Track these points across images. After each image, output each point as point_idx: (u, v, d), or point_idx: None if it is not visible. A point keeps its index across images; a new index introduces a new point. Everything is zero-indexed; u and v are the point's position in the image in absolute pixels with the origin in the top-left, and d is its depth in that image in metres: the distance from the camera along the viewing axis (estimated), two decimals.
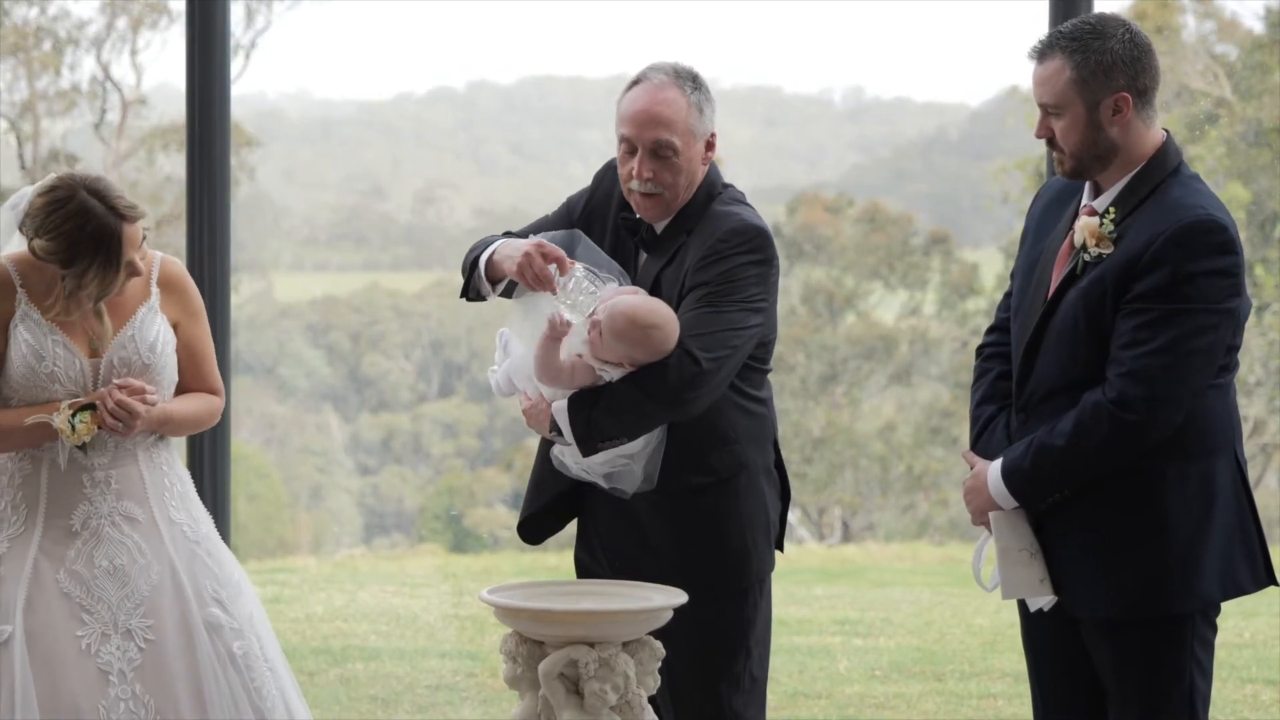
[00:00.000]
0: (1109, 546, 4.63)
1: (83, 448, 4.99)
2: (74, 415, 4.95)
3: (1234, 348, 4.66)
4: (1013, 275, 4.97)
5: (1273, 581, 4.76)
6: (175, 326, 5.18)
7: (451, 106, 28.84)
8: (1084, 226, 4.64)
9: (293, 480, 22.85)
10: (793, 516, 21.55)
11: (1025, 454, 4.65)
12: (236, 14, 21.16)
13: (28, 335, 5.00)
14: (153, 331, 5.10)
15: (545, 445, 5.17)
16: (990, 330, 5.03)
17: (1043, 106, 4.70)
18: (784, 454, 5.24)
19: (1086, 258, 4.63)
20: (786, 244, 22.29)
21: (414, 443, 23.81)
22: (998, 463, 4.72)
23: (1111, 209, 4.63)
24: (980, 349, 5.03)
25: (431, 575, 15.00)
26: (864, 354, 22.34)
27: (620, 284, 4.98)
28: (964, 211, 23.34)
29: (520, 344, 5.09)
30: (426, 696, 9.06)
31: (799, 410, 21.90)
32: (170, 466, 5.20)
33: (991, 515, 4.74)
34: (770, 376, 5.20)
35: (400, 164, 28.22)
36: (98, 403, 4.96)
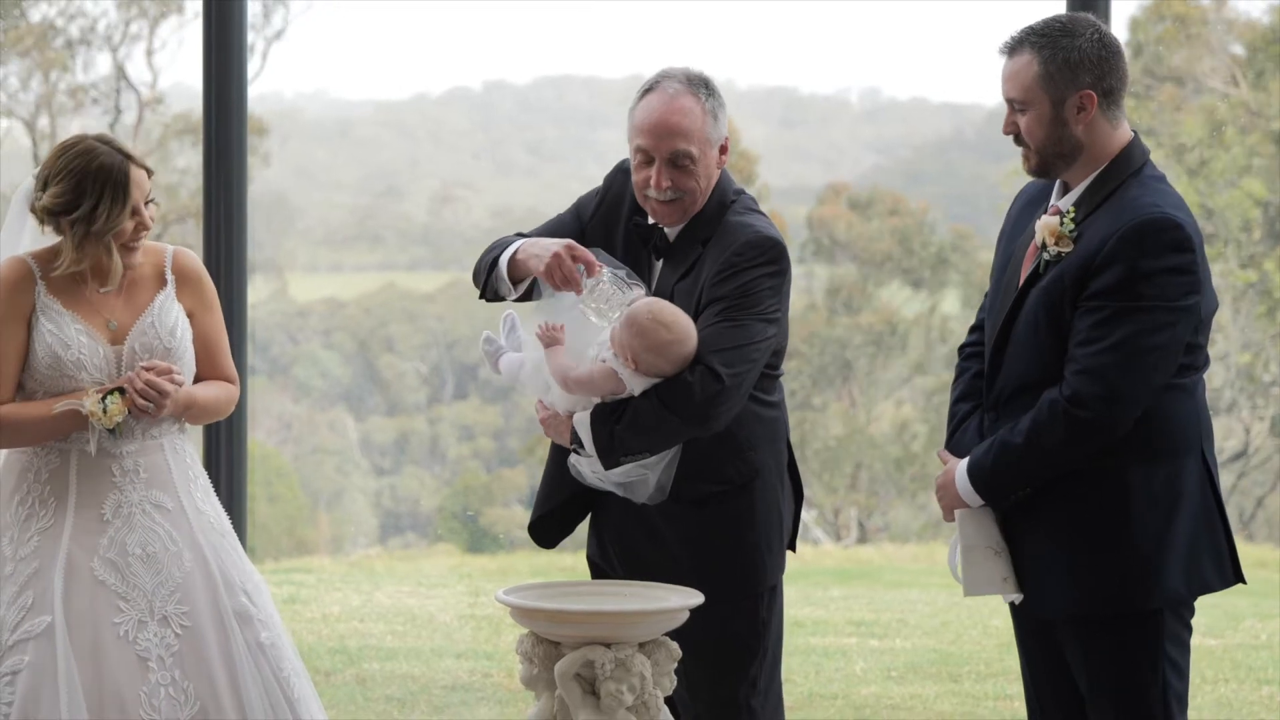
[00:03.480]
0: (1073, 544, 4.66)
1: (113, 431, 5.01)
2: (104, 399, 4.98)
3: (1197, 346, 4.68)
4: (991, 276, 5.00)
5: (1240, 579, 4.78)
6: (190, 317, 5.22)
7: (468, 106, 28.85)
8: (1044, 225, 4.69)
9: (309, 480, 22.88)
10: (808, 517, 21.54)
11: (988, 452, 4.70)
12: (254, 12, 21.19)
13: (50, 325, 5.04)
14: (171, 317, 5.15)
15: (558, 447, 5.16)
16: (972, 330, 5.09)
17: (1009, 102, 4.75)
18: (800, 455, 5.23)
19: (1047, 257, 4.68)
20: (813, 241, 22.34)
21: (430, 444, 23.83)
22: (964, 461, 4.74)
23: (1072, 208, 4.67)
24: (961, 348, 5.09)
25: (447, 575, 15.01)
26: (877, 353, 22.32)
27: (646, 293, 4.99)
28: (981, 212, 23.33)
29: (535, 347, 5.08)
30: (442, 697, 9.06)
31: (813, 410, 21.88)
32: (192, 459, 5.24)
33: (957, 513, 4.78)
34: (783, 378, 5.20)
35: (417, 164, 28.23)
36: (126, 386, 5.00)
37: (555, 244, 4.96)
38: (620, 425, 4.90)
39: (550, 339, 4.93)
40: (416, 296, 25.93)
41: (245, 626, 5.10)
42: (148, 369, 5.03)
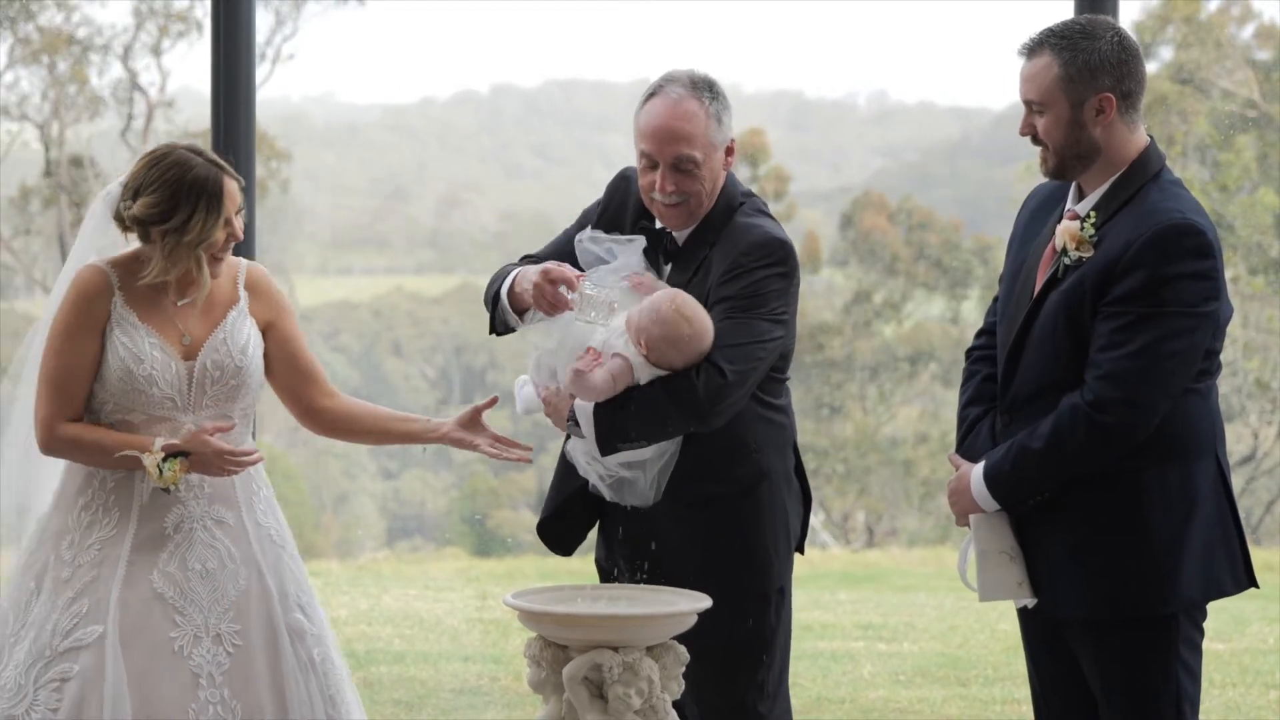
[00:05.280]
0: (1090, 548, 4.66)
1: (166, 490, 4.99)
2: (165, 460, 4.94)
3: (1214, 352, 4.69)
4: (1001, 280, 5.00)
5: (1253, 584, 4.79)
6: (270, 326, 5.20)
7: (475, 110, 28.86)
8: (1064, 230, 4.69)
9: (317, 484, 22.89)
10: (817, 521, 21.54)
11: (1005, 457, 4.69)
12: (265, 20, 21.22)
13: (124, 338, 5.00)
14: (243, 334, 5.11)
15: (566, 444, 5.17)
16: (979, 334, 5.08)
17: (1027, 103, 4.76)
18: (810, 459, 5.24)
19: (1067, 261, 4.67)
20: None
21: (437, 447, 23.78)
22: (980, 465, 4.75)
23: (1092, 213, 4.67)
24: (969, 352, 5.08)
25: (455, 579, 15.01)
26: (900, 359, 22.32)
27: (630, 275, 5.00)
28: (988, 216, 23.32)
29: (545, 363, 5.08)
30: (450, 700, 9.07)
31: (826, 416, 21.88)
32: (257, 470, 5.19)
33: (972, 518, 4.77)
34: (793, 381, 5.19)
35: (424, 167, 28.25)
36: (194, 449, 4.95)
37: (534, 273, 4.98)
38: (621, 413, 4.89)
39: (588, 365, 4.91)
40: (424, 300, 25.93)
41: (298, 643, 5.09)
42: (228, 454, 4.98)
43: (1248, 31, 20.03)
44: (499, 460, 5.14)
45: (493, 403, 5.16)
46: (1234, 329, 18.67)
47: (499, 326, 5.17)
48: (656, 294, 4.88)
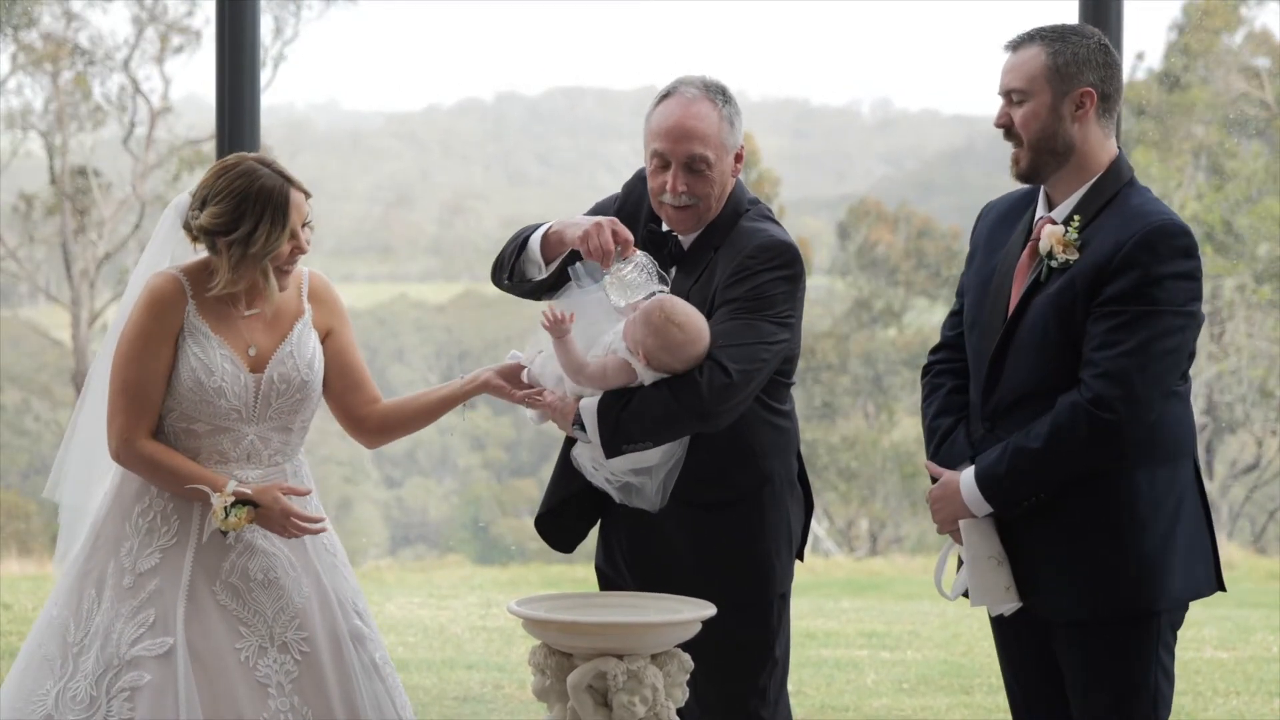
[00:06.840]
0: (1080, 549, 4.69)
1: (224, 532, 4.98)
2: (233, 505, 4.94)
3: (1192, 353, 4.76)
4: (959, 293, 5.02)
5: (1221, 587, 4.85)
6: (328, 334, 5.19)
7: (479, 117, 28.90)
8: (1049, 234, 4.73)
9: (320, 491, 22.89)
10: (821, 529, 21.55)
11: (1000, 459, 4.71)
12: (265, 25, 21.25)
13: (196, 349, 4.99)
14: (309, 348, 5.12)
15: (568, 443, 5.16)
16: (938, 349, 5.10)
17: (1008, 94, 4.80)
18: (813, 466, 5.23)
19: (1052, 264, 4.71)
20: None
21: (440, 454, 23.86)
22: (969, 470, 4.77)
23: (1075, 216, 4.72)
24: (928, 368, 5.09)
25: (458, 586, 15.01)
26: (903, 365, 22.32)
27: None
28: None
29: (549, 368, 5.07)
30: (454, 708, 9.07)
31: (828, 423, 21.88)
32: (308, 481, 5.20)
33: (962, 524, 4.79)
34: (799, 388, 5.19)
35: (428, 175, 28.28)
36: (262, 501, 4.96)
37: (599, 217, 4.98)
38: (626, 413, 4.89)
39: (559, 330, 4.92)
40: (427, 307, 25.96)
41: (360, 647, 5.11)
42: (297, 517, 4.98)
43: (1238, 38, 20.05)
44: (536, 407, 5.07)
45: (518, 368, 5.12)
46: (1238, 337, 18.69)
47: (514, 277, 5.15)
48: (646, 304, 4.89)
